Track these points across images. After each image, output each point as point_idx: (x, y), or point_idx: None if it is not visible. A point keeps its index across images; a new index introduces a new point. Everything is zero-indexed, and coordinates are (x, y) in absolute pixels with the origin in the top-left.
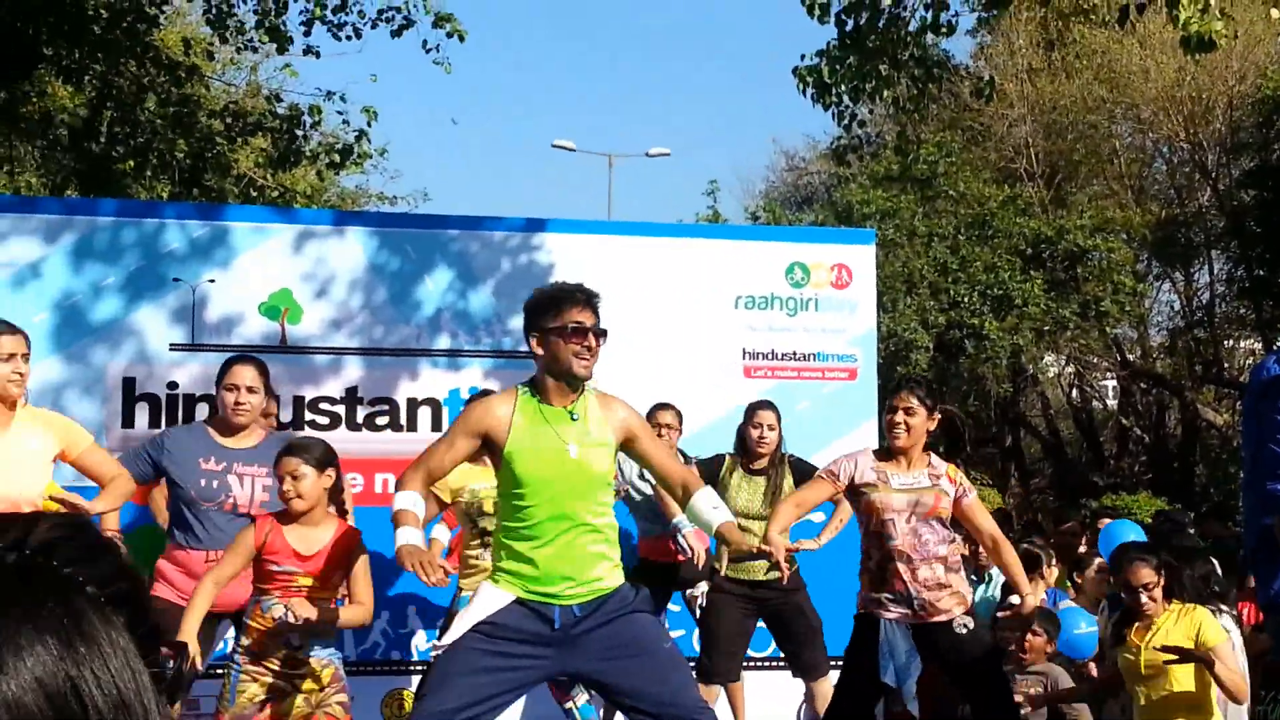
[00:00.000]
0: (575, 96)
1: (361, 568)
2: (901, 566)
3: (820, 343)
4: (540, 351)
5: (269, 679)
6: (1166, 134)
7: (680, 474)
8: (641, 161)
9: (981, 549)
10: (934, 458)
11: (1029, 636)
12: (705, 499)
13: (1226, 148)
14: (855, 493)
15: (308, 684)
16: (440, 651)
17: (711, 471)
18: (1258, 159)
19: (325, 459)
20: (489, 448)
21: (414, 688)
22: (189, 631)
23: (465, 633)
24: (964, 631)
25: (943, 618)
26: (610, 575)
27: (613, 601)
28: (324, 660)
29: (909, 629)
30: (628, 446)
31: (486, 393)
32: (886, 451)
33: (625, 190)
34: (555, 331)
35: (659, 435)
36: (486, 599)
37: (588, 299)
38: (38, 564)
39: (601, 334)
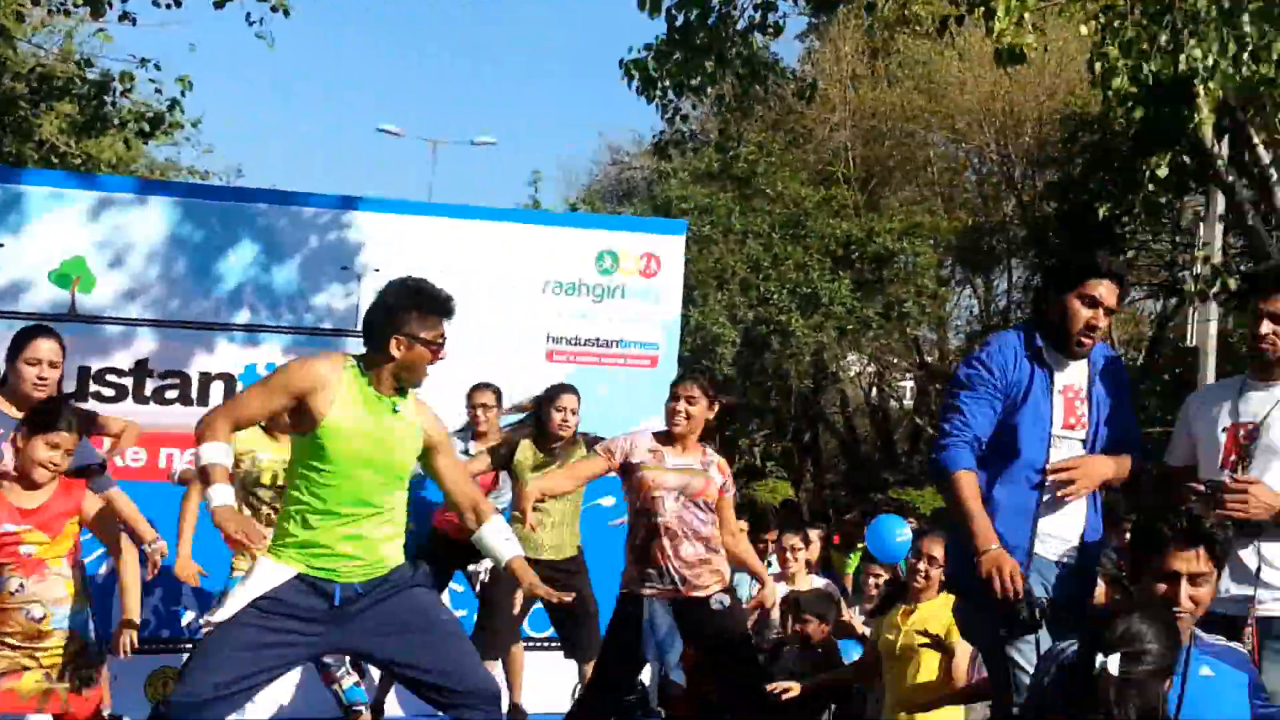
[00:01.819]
0: (404, 81)
1: (102, 509)
2: (666, 542)
3: (624, 330)
4: (398, 354)
5: (6, 652)
6: (978, 145)
7: (470, 498)
8: (467, 149)
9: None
10: (709, 449)
11: (804, 624)
12: (496, 530)
13: (1033, 160)
14: (629, 469)
15: (49, 658)
16: (212, 627)
17: (508, 451)
18: (1061, 173)
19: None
20: (300, 413)
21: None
22: None
23: (242, 608)
24: (720, 608)
25: (701, 593)
26: (395, 554)
27: (392, 578)
28: (68, 632)
29: (669, 605)
30: (427, 455)
31: None
32: (666, 435)
33: (449, 177)
34: (425, 343)
35: (476, 415)
36: (266, 573)
37: (451, 314)
38: None
39: None
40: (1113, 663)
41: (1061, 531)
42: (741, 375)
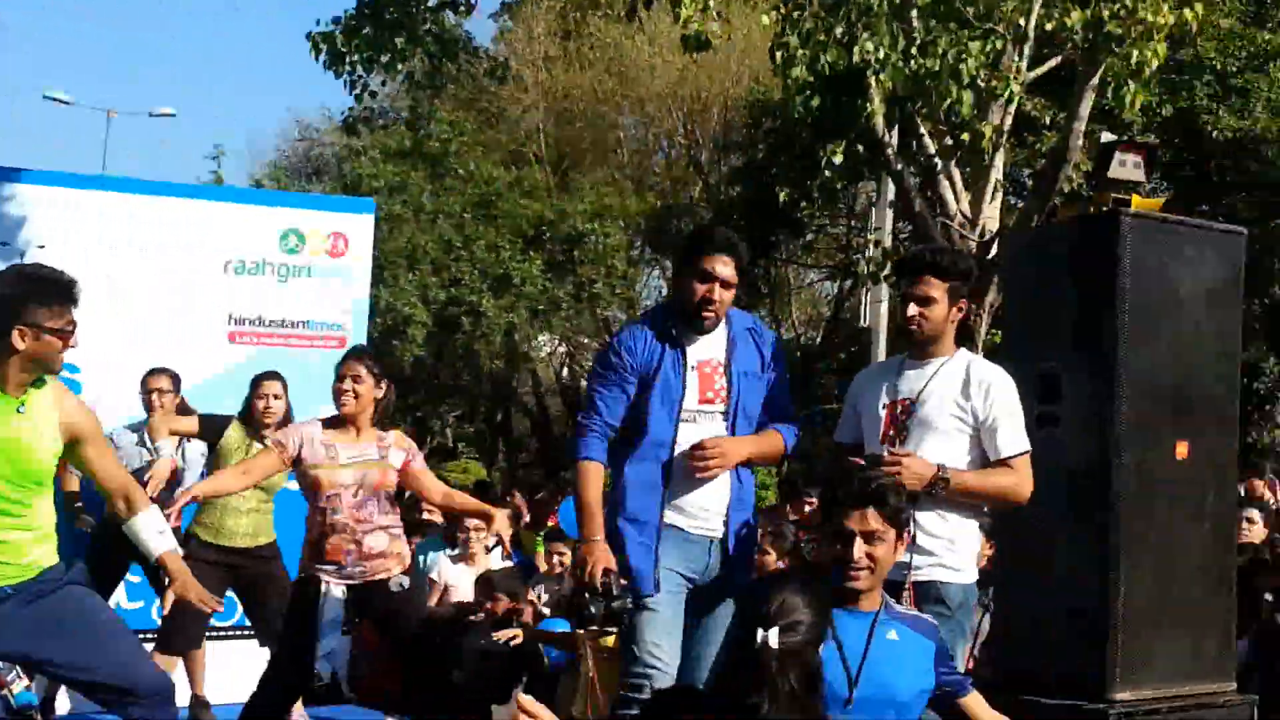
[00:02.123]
0: (75, 46)
1: None
2: (344, 539)
3: (310, 311)
4: (23, 347)
5: None
6: (667, 129)
7: (122, 486)
8: (145, 121)
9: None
10: (386, 430)
11: (495, 601)
12: (149, 522)
13: (719, 145)
14: (302, 466)
15: None
16: None
17: (218, 430)
18: (746, 157)
19: None
20: None
21: None
22: None
23: None
24: (399, 590)
25: (381, 576)
26: (47, 556)
27: (43, 579)
28: None
29: (347, 590)
30: (73, 448)
31: None
32: (337, 420)
33: (124, 149)
34: (53, 332)
35: (151, 400)
36: None
37: (75, 300)
38: None
39: None
40: (773, 636)
41: (700, 505)
42: (433, 356)
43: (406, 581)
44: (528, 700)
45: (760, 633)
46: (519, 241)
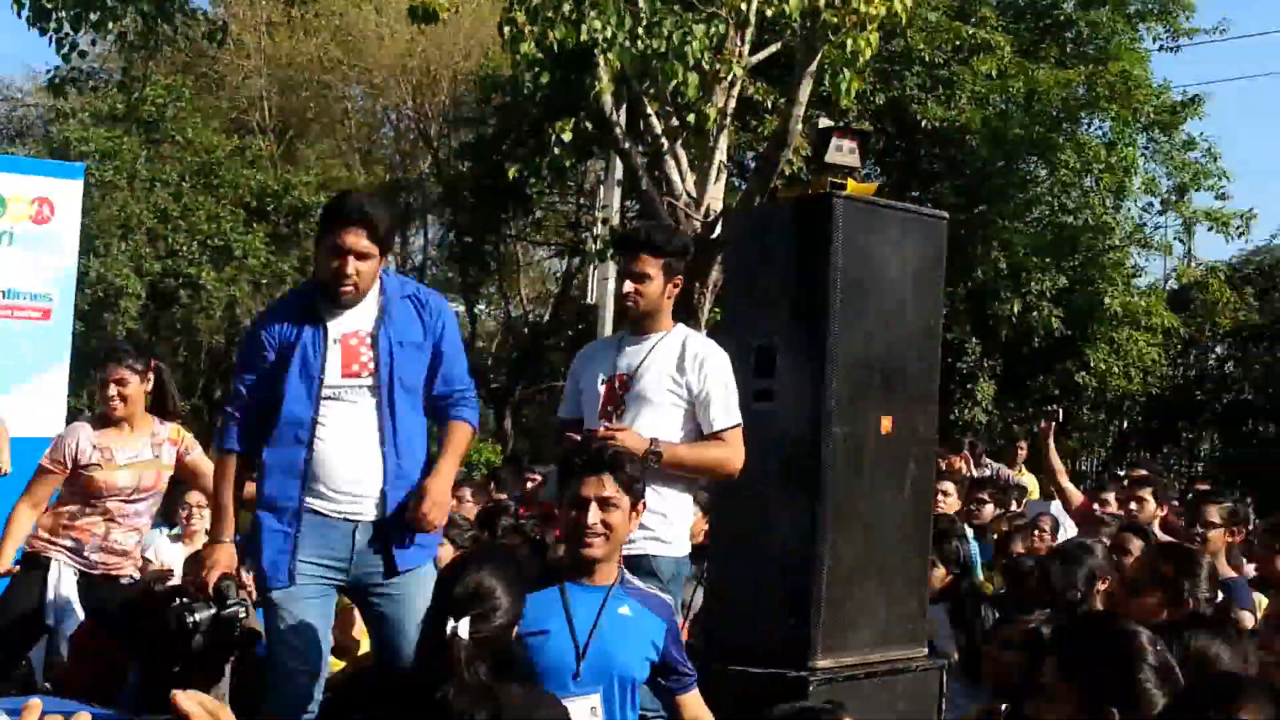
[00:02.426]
0: None
1: None
2: (99, 523)
3: (13, 280)
4: None
5: None
6: (395, 101)
7: None
8: None
9: None
10: (158, 423)
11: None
12: None
13: (449, 120)
14: (76, 469)
15: None
16: None
17: None
18: (476, 133)
19: None
20: None
21: None
22: None
23: None
24: (129, 582)
25: (116, 573)
26: None
27: None
28: None
29: (79, 575)
30: None
31: None
32: (104, 419)
33: None
34: None
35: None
36: None
37: None
38: None
39: None
40: (463, 627)
41: (344, 488)
42: (148, 330)
43: (136, 574)
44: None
45: (450, 622)
46: (241, 212)
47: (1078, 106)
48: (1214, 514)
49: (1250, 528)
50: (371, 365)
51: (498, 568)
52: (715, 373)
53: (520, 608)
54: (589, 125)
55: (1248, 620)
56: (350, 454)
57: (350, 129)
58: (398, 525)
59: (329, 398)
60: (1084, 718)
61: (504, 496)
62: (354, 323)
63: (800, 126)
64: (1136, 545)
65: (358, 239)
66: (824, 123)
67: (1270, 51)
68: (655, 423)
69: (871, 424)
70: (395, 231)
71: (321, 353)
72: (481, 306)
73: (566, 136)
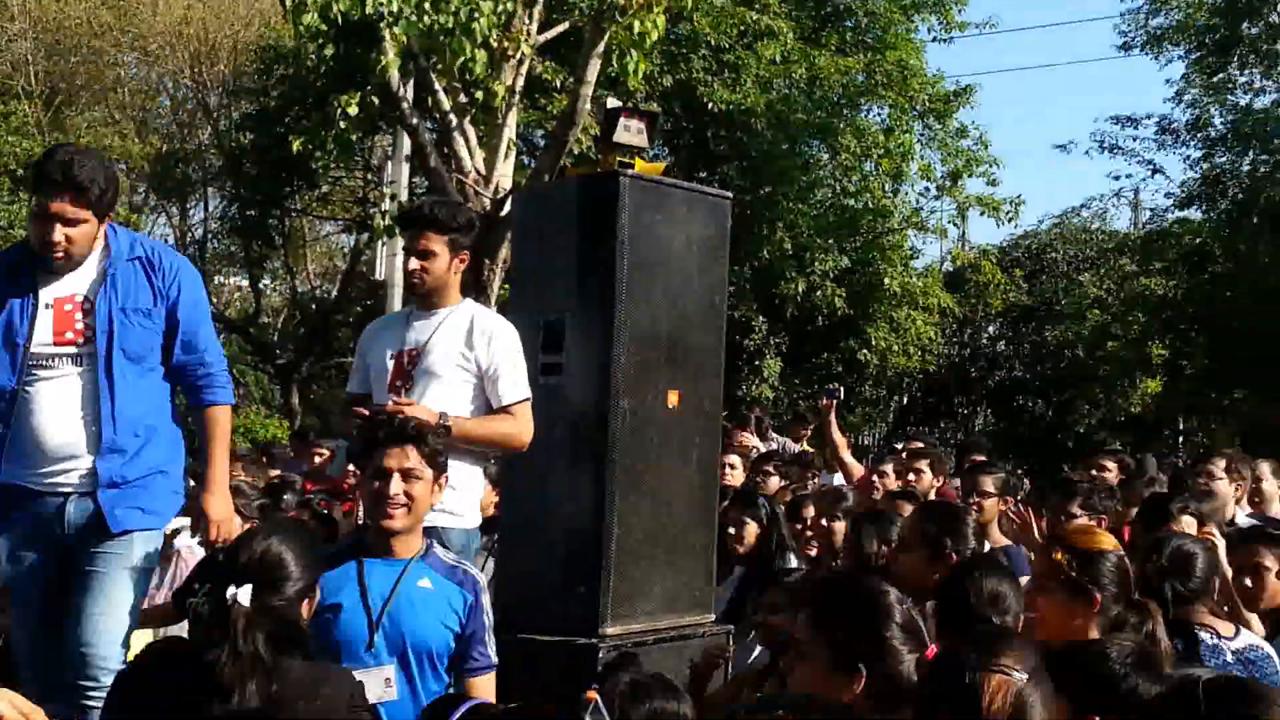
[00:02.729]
0: None
1: None
2: None
3: None
4: None
5: None
6: (172, 69)
7: None
8: None
9: None
10: None
11: None
12: None
13: (230, 90)
14: None
15: None
16: None
17: None
18: (257, 104)
19: None
20: None
21: None
22: None
23: None
24: None
25: None
26: None
27: None
28: None
29: None
30: None
31: None
32: None
33: None
34: None
35: None
36: None
37: None
38: None
39: None
40: (244, 594)
41: (48, 460)
42: None
43: None
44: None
45: (231, 589)
46: (6, 180)
47: (857, 93)
48: (988, 484)
49: (1019, 497)
50: (87, 333)
51: (289, 538)
52: (504, 348)
53: (313, 581)
54: (375, 100)
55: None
56: (59, 424)
57: (124, 97)
58: (111, 490)
59: (37, 365)
60: (834, 674)
61: (278, 473)
62: (69, 287)
63: (589, 106)
64: (907, 509)
65: (63, 205)
66: (612, 103)
67: (1035, 45)
68: (444, 397)
69: (658, 398)
70: (113, 192)
71: (30, 318)
72: (267, 281)
73: (352, 110)
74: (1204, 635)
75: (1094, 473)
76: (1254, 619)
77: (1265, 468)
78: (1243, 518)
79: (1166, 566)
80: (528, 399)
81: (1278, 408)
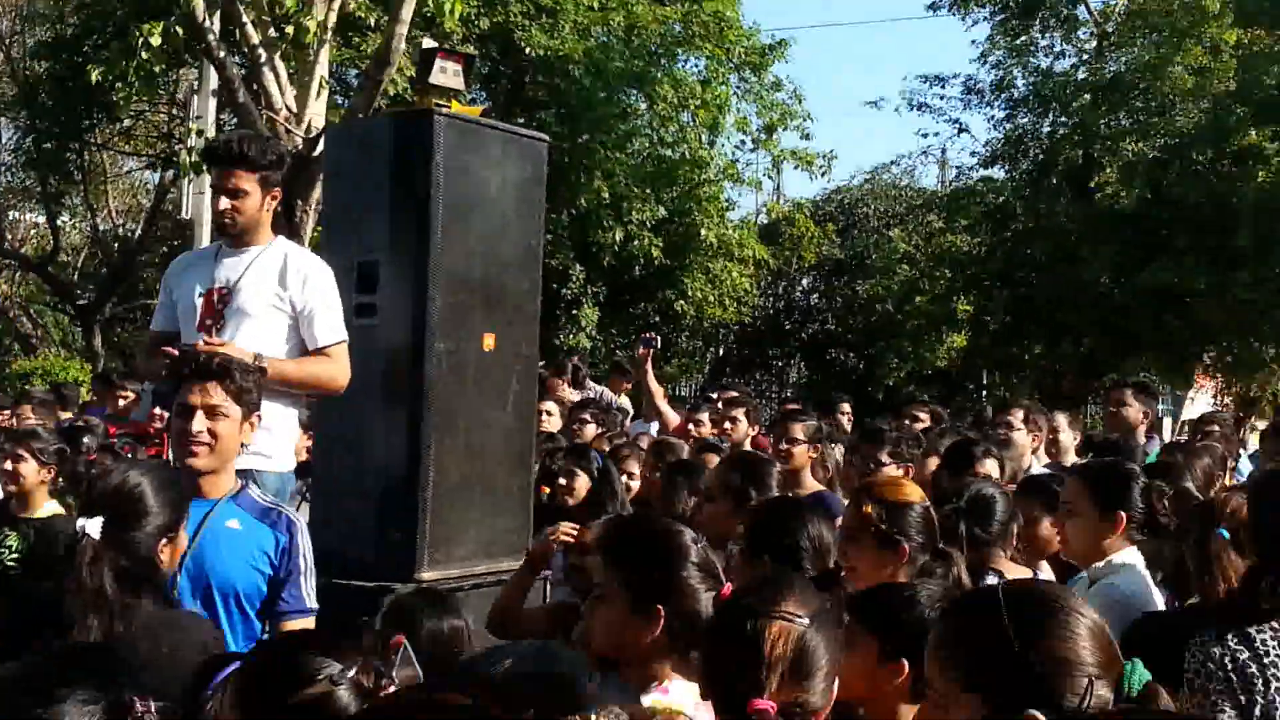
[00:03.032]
0: None
1: None
2: None
3: None
4: None
5: None
6: None
7: None
8: None
9: None
10: None
11: None
12: None
13: (23, 15)
14: None
15: None
16: None
17: None
18: (54, 32)
19: None
20: None
21: None
22: None
23: None
24: None
25: None
26: None
27: None
28: None
29: None
30: None
31: None
32: None
33: None
34: None
35: None
36: None
37: None
38: None
39: None
40: (94, 526)
41: None
42: None
43: None
44: None
45: (80, 520)
46: None
47: (675, 43)
48: (798, 431)
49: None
50: None
51: (150, 473)
52: (319, 288)
53: (174, 521)
54: (179, 30)
55: None
56: None
57: None
58: None
59: None
60: (634, 616)
61: (69, 415)
62: None
63: (404, 46)
64: (714, 461)
65: None
66: (428, 43)
67: (849, 2)
68: (257, 337)
69: (474, 340)
70: None
71: None
72: (65, 218)
73: (155, 41)
74: (990, 579)
75: (906, 422)
76: (1044, 566)
77: (1061, 419)
78: (1038, 468)
79: (966, 510)
80: (345, 341)
81: (1073, 363)
